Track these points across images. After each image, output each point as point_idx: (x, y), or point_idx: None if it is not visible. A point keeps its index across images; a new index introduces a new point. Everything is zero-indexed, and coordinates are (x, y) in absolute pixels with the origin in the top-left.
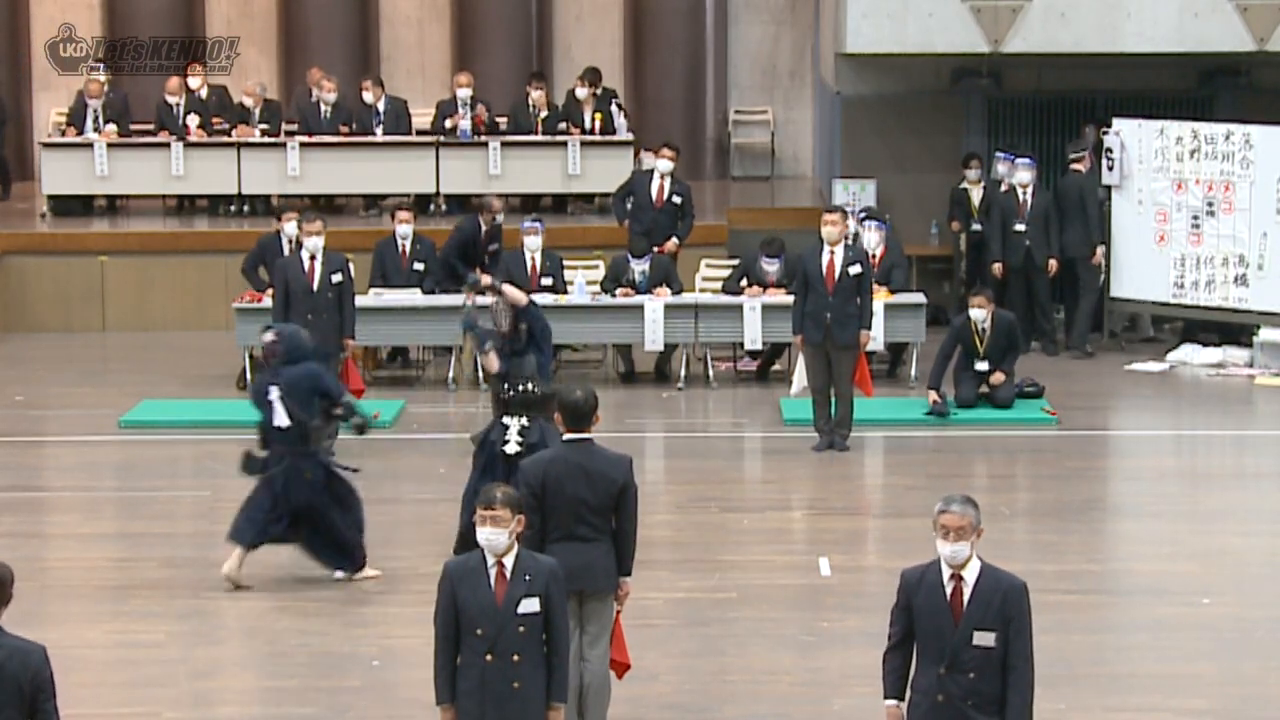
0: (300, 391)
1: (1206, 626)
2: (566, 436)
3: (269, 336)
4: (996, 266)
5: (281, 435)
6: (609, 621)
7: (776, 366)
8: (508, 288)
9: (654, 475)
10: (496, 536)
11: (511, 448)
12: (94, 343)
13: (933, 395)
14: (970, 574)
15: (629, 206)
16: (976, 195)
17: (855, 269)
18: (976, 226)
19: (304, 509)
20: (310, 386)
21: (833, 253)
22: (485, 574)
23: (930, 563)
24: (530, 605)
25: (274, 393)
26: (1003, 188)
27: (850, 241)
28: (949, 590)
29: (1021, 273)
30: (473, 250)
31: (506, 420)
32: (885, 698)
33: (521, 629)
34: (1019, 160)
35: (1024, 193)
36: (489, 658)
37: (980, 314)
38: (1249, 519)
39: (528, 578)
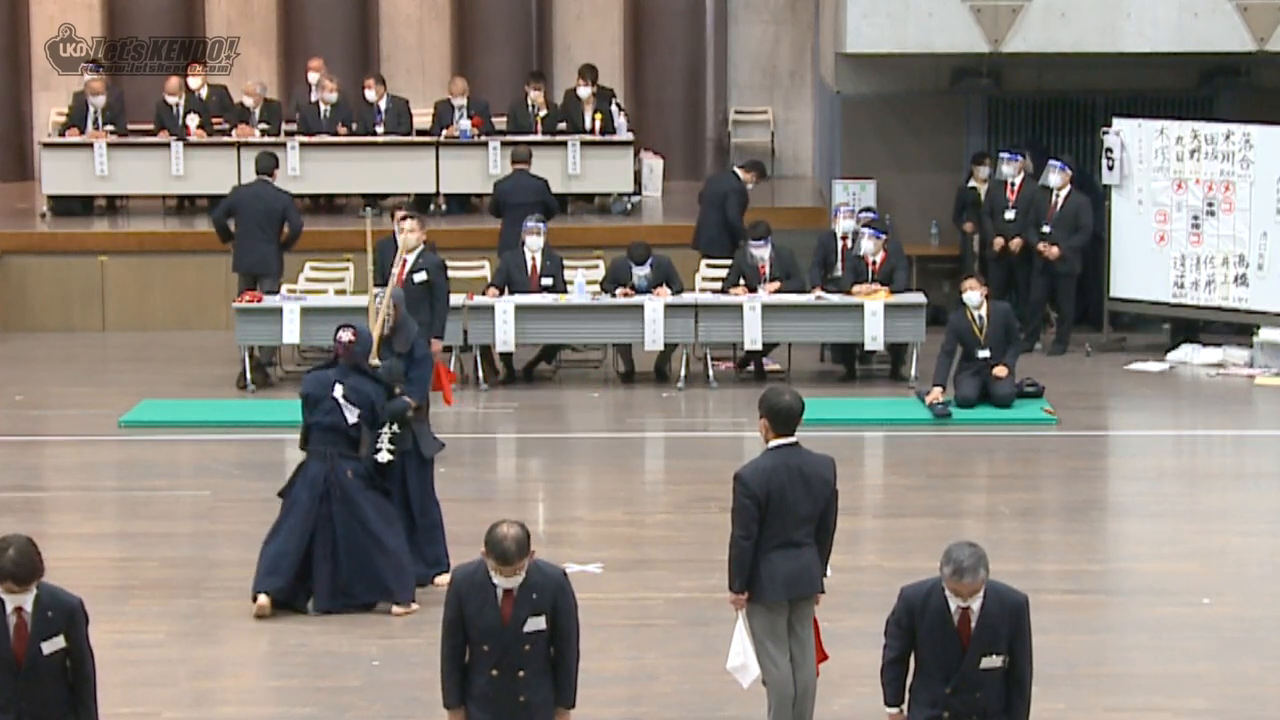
0: (360, 402)
1: (1206, 626)
2: (776, 442)
3: (346, 335)
4: (1015, 241)
5: (334, 432)
6: (811, 623)
7: (776, 366)
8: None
9: (654, 475)
10: (516, 579)
11: (384, 456)
12: (94, 343)
13: (935, 393)
14: (976, 601)
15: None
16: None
17: (421, 276)
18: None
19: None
20: (368, 402)
21: (405, 260)
22: (492, 592)
23: (934, 583)
24: (536, 624)
25: (338, 390)
26: (1013, 187)
27: (850, 244)
28: (956, 618)
29: (1045, 274)
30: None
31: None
32: (887, 705)
33: (527, 647)
34: (1052, 162)
35: (1056, 194)
36: (494, 672)
37: (974, 296)
38: (1249, 519)
39: (534, 596)
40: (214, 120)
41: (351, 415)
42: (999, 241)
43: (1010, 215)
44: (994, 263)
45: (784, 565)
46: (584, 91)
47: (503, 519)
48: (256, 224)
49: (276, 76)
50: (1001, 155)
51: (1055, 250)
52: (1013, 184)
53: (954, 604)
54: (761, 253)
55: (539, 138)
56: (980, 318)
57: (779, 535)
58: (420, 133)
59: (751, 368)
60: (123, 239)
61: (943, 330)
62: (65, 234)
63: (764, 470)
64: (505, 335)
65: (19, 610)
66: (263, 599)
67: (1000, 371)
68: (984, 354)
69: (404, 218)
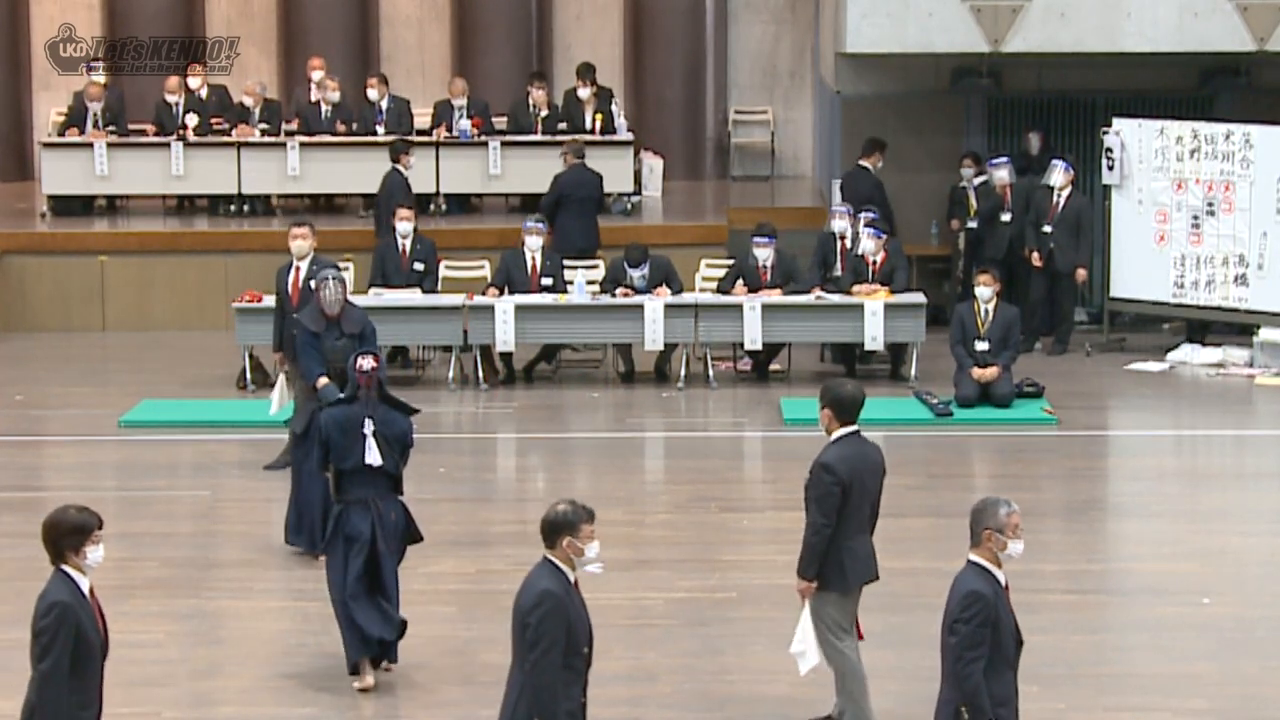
0: (393, 439)
1: (1206, 626)
2: (843, 430)
3: (367, 363)
4: (1034, 256)
5: (369, 474)
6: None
7: (776, 366)
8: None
9: (654, 475)
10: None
11: (369, 427)
12: (94, 343)
13: (990, 372)
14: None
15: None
16: (974, 193)
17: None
18: (973, 224)
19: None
20: (402, 439)
21: (298, 268)
22: (576, 589)
23: (980, 573)
24: None
25: (369, 426)
26: (997, 188)
27: (850, 244)
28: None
29: (1045, 273)
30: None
31: None
32: None
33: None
34: (1055, 161)
35: (1058, 194)
36: (589, 671)
37: (986, 291)
38: (1249, 519)
39: None
40: (214, 120)
41: (375, 457)
42: (1035, 256)
43: (1006, 218)
44: (994, 263)
45: (862, 551)
46: (584, 93)
47: (555, 502)
48: (382, 204)
49: (276, 76)
50: (989, 162)
51: (1082, 273)
52: (1004, 188)
53: (1002, 577)
54: (764, 253)
55: (539, 137)
56: (986, 311)
57: (856, 522)
58: (420, 132)
59: (749, 366)
60: (123, 239)
61: (942, 330)
62: (65, 234)
63: (847, 458)
64: (505, 335)
65: (92, 590)
66: (369, 677)
67: (992, 373)
68: (982, 346)
69: (295, 224)
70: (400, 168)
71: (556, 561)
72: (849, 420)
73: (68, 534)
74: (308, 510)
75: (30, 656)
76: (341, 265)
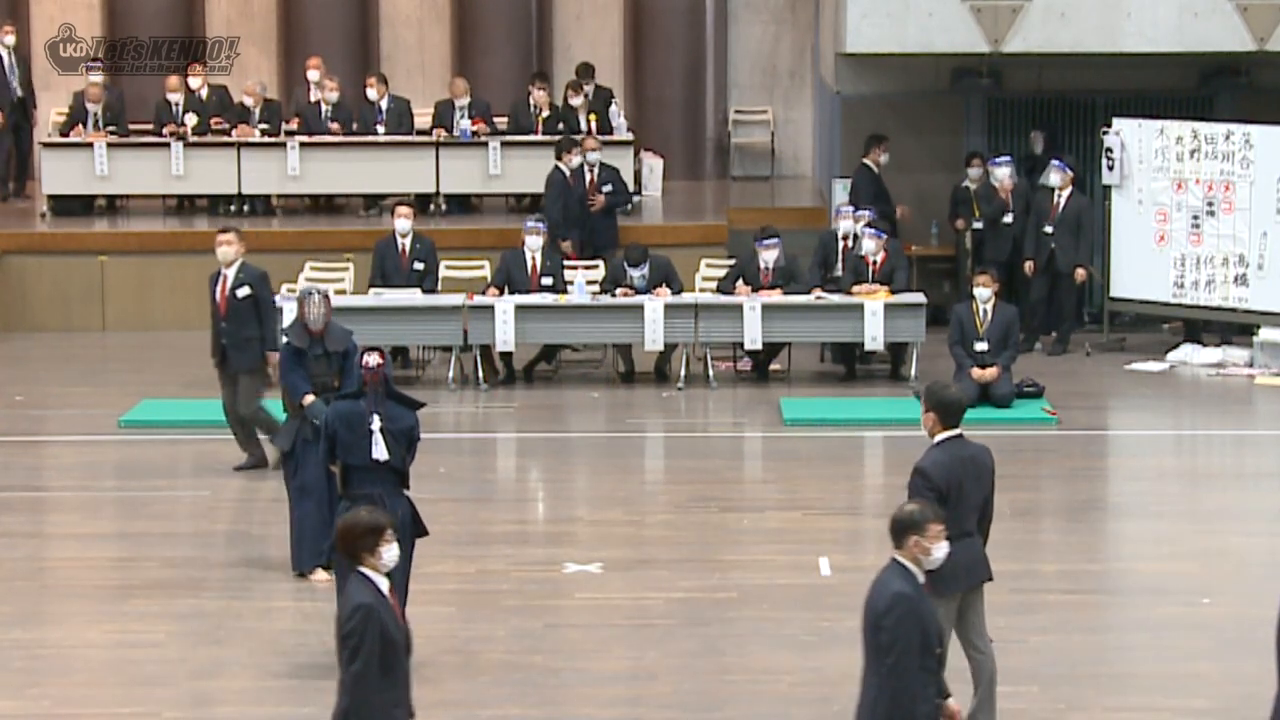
0: (400, 434)
1: (1206, 626)
2: (945, 434)
3: (373, 359)
4: (1028, 265)
5: (376, 470)
6: (983, 610)
7: (776, 366)
8: None
9: (654, 475)
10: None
11: (375, 422)
12: (94, 343)
13: (990, 373)
14: None
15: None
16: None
17: (244, 291)
18: (978, 225)
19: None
20: (408, 434)
21: (225, 275)
22: (926, 589)
23: None
24: None
25: (375, 422)
26: (997, 187)
27: (850, 244)
28: None
29: (1045, 273)
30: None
31: None
32: None
33: None
34: (1054, 162)
35: (1058, 195)
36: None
37: (984, 292)
38: (1249, 519)
39: None
40: (214, 120)
41: (382, 452)
42: (1029, 266)
43: (1008, 219)
44: (995, 264)
45: (963, 556)
46: (576, 101)
47: (903, 502)
48: (549, 205)
49: (276, 76)
50: (992, 161)
51: (1081, 273)
52: (1004, 187)
53: None
54: (769, 254)
55: (539, 137)
56: (985, 311)
57: (955, 526)
58: (420, 133)
59: (749, 366)
60: (123, 239)
61: (942, 330)
62: (65, 234)
63: (943, 464)
64: (505, 335)
65: (390, 589)
66: None
67: (992, 374)
68: (981, 346)
69: (221, 231)
70: (562, 165)
71: (905, 562)
72: (953, 424)
73: (362, 536)
74: (304, 528)
75: (338, 660)
76: (340, 265)
